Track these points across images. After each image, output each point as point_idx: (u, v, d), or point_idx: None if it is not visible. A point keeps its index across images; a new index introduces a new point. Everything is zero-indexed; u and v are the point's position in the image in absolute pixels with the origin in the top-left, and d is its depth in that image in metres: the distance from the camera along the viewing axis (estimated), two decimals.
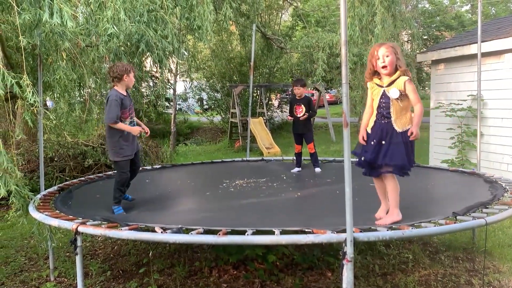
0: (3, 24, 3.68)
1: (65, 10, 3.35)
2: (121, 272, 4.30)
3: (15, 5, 3.34)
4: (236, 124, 14.61)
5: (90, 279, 4.10)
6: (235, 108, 14.45)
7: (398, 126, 3.14)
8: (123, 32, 4.24)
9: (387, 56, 3.06)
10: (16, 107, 4.24)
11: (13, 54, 5.12)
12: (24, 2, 3.38)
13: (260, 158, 7.38)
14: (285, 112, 18.77)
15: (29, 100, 3.23)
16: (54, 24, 3.38)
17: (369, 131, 3.23)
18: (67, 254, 4.83)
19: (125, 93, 3.92)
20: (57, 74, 4.07)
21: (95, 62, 4.90)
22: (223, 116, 17.64)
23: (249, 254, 4.29)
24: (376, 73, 3.21)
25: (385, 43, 3.18)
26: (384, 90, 3.13)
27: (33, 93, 3.24)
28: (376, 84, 3.20)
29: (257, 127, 13.36)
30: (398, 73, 3.10)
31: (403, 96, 3.09)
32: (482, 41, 5.48)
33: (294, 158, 6.19)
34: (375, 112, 3.21)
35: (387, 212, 3.34)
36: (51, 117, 4.39)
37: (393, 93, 3.08)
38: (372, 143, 3.17)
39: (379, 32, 6.40)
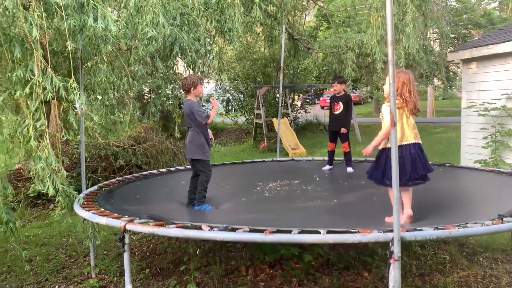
0: (49, 30, 3.79)
1: (108, 15, 3.45)
2: (158, 270, 4.40)
3: (61, 12, 3.45)
4: (260, 124, 14.66)
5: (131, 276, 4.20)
6: (259, 109, 14.50)
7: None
8: (161, 35, 4.34)
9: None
10: (60, 109, 4.37)
11: (52, 58, 5.29)
12: (69, 8, 3.50)
13: (290, 158, 7.40)
14: (309, 112, 18.73)
15: (76, 102, 3.34)
16: (98, 29, 3.49)
17: None
18: (105, 252, 4.96)
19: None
20: (98, 77, 4.18)
21: (131, 65, 5.02)
22: (247, 117, 17.72)
23: (285, 254, 4.32)
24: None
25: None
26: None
27: (79, 95, 3.34)
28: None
29: (282, 127, 13.35)
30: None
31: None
32: None
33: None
34: None
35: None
36: (94, 118, 4.52)
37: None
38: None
39: (410, 31, 6.34)
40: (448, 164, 5.70)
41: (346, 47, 8.47)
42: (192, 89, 4.26)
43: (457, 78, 18.75)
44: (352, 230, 2.62)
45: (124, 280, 3.39)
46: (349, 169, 5.85)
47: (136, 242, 5.38)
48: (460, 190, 4.53)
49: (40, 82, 3.31)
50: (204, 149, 4.28)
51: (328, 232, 2.60)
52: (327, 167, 6.07)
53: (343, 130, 5.90)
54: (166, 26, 4.26)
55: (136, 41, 4.18)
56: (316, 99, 31.94)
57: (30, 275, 4.35)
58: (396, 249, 2.42)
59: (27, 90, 3.26)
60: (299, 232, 2.61)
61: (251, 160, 6.99)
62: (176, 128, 5.59)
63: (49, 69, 3.34)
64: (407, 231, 2.52)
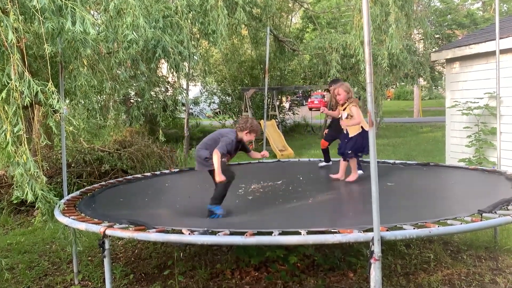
0: (27, 34, 3.74)
1: (87, 18, 3.41)
2: (143, 275, 4.35)
3: (38, 15, 3.39)
4: None
5: (114, 282, 4.14)
6: (247, 111, 14.49)
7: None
8: (142, 38, 4.31)
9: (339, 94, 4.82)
10: (40, 114, 4.31)
11: (32, 62, 5.21)
12: (46, 11, 3.44)
13: (276, 159, 7.38)
14: (297, 114, 18.81)
15: (54, 106, 3.28)
16: (76, 32, 3.44)
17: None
18: (89, 258, 4.89)
19: (238, 140, 4.04)
20: (78, 80, 4.13)
21: (113, 69, 4.97)
22: (235, 119, 17.70)
23: (270, 255, 4.30)
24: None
25: (339, 85, 4.90)
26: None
27: (58, 100, 3.29)
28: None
29: (270, 129, 13.37)
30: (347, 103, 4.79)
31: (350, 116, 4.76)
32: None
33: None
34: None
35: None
36: (74, 123, 4.45)
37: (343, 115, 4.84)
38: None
39: (393, 32, 6.38)
40: (432, 164, 5.74)
41: (330, 49, 8.51)
42: (246, 133, 3.99)
43: (443, 78, 18.98)
44: (332, 230, 2.62)
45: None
46: (359, 172, 5.25)
47: (121, 247, 5.32)
48: (445, 188, 4.58)
49: (17, 86, 3.25)
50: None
51: (309, 232, 2.58)
52: (323, 163, 6.06)
53: None
54: (146, 28, 4.22)
55: (116, 44, 4.13)
56: (304, 101, 32.06)
57: (11, 284, 4.27)
58: (376, 248, 2.41)
59: (3, 94, 3.20)
60: (280, 233, 2.60)
61: (237, 163, 6.96)
62: (161, 131, 5.56)
63: (26, 73, 3.28)
64: (387, 230, 2.52)
